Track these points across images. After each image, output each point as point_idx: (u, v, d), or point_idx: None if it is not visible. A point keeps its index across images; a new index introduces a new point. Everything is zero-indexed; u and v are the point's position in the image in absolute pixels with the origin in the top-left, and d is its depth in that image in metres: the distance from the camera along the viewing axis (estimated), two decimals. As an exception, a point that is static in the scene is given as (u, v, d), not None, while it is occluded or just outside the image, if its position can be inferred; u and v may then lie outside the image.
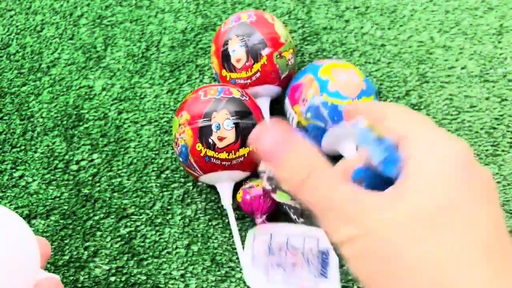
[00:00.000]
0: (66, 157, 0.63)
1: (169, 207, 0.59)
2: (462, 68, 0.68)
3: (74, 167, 0.63)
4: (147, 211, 0.59)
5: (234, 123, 0.53)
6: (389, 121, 0.26)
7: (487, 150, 0.61)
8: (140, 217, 0.59)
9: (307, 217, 0.56)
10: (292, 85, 0.59)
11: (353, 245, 0.22)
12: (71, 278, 0.55)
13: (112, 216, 0.59)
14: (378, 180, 0.25)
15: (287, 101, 0.59)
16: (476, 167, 0.24)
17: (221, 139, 0.53)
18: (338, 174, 0.24)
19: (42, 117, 0.67)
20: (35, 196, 0.61)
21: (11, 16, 0.76)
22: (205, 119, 0.53)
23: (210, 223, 0.58)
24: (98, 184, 0.61)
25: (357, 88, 0.55)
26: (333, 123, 0.55)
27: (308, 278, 0.42)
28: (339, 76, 0.55)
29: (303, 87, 0.57)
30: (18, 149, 0.65)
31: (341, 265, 0.53)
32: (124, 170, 0.62)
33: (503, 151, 0.62)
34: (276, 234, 0.51)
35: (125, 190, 0.61)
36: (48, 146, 0.64)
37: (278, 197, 0.54)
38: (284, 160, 0.24)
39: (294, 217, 0.56)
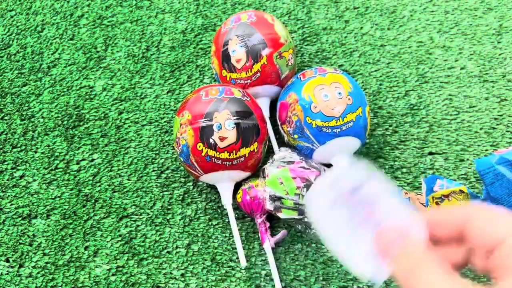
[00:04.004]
0: (67, 157, 0.64)
1: (169, 207, 0.60)
2: (462, 68, 0.68)
3: (75, 167, 0.63)
4: (148, 211, 0.59)
5: (235, 123, 0.53)
6: (477, 227, 0.27)
7: (486, 150, 0.62)
8: (141, 217, 0.59)
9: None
10: (280, 102, 0.59)
11: None
12: (71, 278, 0.56)
13: (113, 216, 0.59)
14: None
15: (277, 116, 0.60)
16: None
17: (222, 139, 0.53)
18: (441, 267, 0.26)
19: (42, 117, 0.67)
20: (35, 196, 0.61)
21: (11, 17, 0.76)
22: (207, 119, 0.53)
23: (210, 223, 0.58)
24: (98, 184, 0.61)
25: (341, 106, 0.55)
26: (320, 144, 0.56)
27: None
28: (321, 96, 0.55)
29: (289, 108, 0.57)
30: (19, 149, 0.65)
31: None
32: (125, 170, 0.62)
33: (502, 151, 0.62)
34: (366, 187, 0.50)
35: (125, 190, 0.61)
36: (48, 146, 0.65)
37: (285, 214, 0.54)
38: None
39: (302, 230, 0.56)
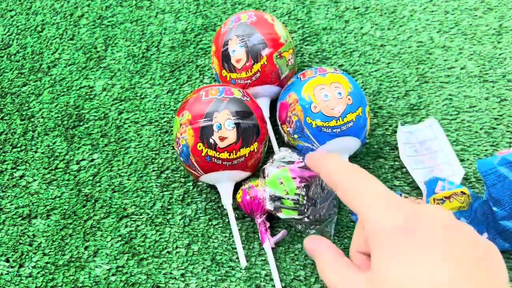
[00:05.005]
0: (67, 157, 0.64)
1: (169, 207, 0.60)
2: (462, 68, 0.68)
3: (75, 167, 0.63)
4: (148, 211, 0.59)
5: (235, 123, 0.53)
6: (348, 191, 0.31)
7: (486, 150, 0.62)
8: (141, 217, 0.59)
9: (317, 227, 0.56)
10: (280, 102, 0.59)
11: None
12: (71, 278, 0.56)
13: (113, 216, 0.59)
14: None
15: (277, 116, 0.60)
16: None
17: (222, 139, 0.53)
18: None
19: (42, 117, 0.67)
20: (35, 196, 0.61)
21: (11, 17, 0.76)
22: (207, 119, 0.53)
23: (210, 223, 0.58)
24: (98, 184, 0.61)
25: (341, 106, 0.54)
26: (320, 144, 0.56)
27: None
28: (321, 96, 0.55)
29: (289, 108, 0.57)
30: (19, 149, 0.65)
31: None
32: (125, 170, 0.62)
33: (502, 151, 0.62)
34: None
35: (125, 190, 0.61)
36: (48, 146, 0.65)
37: (285, 214, 0.54)
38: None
39: (302, 230, 0.56)
